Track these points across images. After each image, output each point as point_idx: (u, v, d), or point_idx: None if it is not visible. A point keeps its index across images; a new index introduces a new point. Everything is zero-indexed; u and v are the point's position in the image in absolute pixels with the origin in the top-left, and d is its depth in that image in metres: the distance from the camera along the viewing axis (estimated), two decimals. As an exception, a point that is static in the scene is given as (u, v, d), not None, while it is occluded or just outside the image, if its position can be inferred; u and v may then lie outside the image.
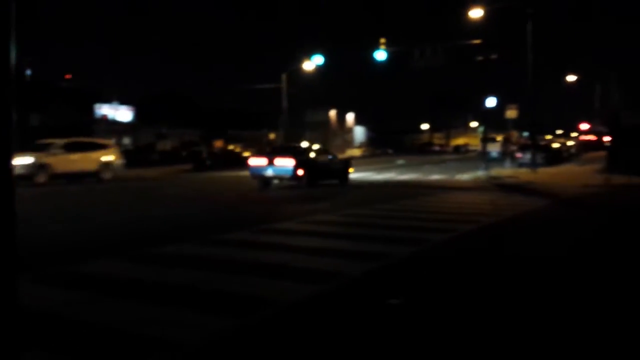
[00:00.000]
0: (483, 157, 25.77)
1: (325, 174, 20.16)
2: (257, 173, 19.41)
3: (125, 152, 40.52)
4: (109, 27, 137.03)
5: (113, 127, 47.43)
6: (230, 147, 44.11)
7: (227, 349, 4.01)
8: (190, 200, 15.79)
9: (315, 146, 23.01)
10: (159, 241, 8.09)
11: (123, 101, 50.92)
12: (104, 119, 47.30)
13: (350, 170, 21.77)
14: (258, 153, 29.95)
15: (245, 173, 20.49)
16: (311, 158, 19.67)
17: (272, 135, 52.37)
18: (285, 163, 18.47)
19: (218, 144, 41.79)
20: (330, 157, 21.53)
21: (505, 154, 33.47)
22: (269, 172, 18.85)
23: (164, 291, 5.42)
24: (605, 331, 4.23)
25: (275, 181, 19.53)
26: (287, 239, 8.43)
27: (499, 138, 39.70)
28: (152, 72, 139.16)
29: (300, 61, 41.59)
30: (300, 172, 18.29)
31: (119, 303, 5.04)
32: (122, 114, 50.14)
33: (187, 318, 4.55)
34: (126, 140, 48.50)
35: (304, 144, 25.96)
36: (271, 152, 20.60)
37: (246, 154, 41.50)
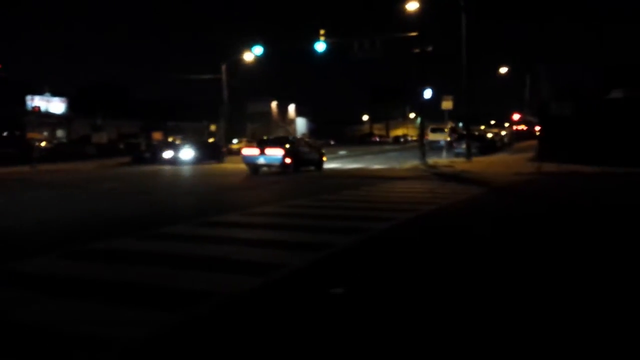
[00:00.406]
0: (422, 148, 26.43)
1: (306, 162, 22.42)
2: (249, 161, 21.54)
3: (58, 146, 38.87)
4: (42, 17, 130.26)
5: (46, 120, 45.32)
6: (170, 139, 43.04)
7: (165, 345, 3.93)
8: (126, 194, 15.33)
9: (298, 138, 26.74)
10: (94, 237, 7.85)
11: (56, 93, 48.60)
12: (36, 110, 45.00)
13: (324, 159, 24.00)
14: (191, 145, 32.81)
15: (186, 166, 20.31)
16: (296, 148, 22.02)
17: (212, 127, 51.49)
18: (275, 153, 20.70)
19: (157, 136, 40.67)
20: (309, 148, 24.14)
21: (451, 144, 34.65)
22: (261, 161, 21.07)
23: (102, 288, 5.26)
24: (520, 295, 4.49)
25: (264, 168, 21.42)
26: (228, 232, 8.36)
27: (447, 128, 41.17)
28: (87, 63, 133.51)
29: (240, 52, 41.14)
30: (287, 160, 20.58)
31: (55, 302, 4.86)
32: (55, 105, 47.92)
33: (125, 315, 4.45)
34: (60, 133, 46.50)
35: (290, 137, 29.53)
36: (261, 143, 22.77)
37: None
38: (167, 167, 27.36)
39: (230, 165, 28.31)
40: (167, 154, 30.76)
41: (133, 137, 42.43)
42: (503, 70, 55.38)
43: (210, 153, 32.40)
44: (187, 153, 30.33)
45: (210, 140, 46.88)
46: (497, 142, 41.57)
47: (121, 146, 39.46)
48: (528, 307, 4.58)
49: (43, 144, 37.84)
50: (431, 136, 40.97)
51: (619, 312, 4.42)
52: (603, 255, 6.56)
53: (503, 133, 54.14)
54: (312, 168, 22.67)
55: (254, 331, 4.16)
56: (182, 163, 28.99)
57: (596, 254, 6.64)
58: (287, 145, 21.45)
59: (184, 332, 4.13)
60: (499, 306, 4.65)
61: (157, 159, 32.11)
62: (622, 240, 7.44)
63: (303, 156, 22.24)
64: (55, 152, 35.87)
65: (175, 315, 4.43)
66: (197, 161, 29.83)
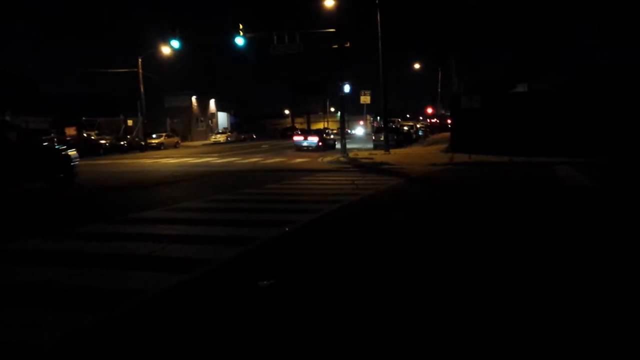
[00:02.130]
0: (342, 141, 27.01)
1: (331, 146, 35.67)
2: (298, 144, 34.60)
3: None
4: None
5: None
6: (85, 134, 41.00)
7: (83, 347, 3.83)
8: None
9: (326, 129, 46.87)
10: (4, 236, 7.51)
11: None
12: None
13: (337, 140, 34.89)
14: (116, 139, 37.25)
15: (103, 161, 19.43)
16: (325, 136, 37.76)
17: (129, 122, 49.61)
18: (313, 139, 34.61)
19: (70, 131, 38.61)
20: (332, 135, 42.94)
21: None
22: (305, 143, 34.21)
23: (17, 291, 5.07)
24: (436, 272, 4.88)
25: (307, 148, 33.67)
26: (149, 228, 8.22)
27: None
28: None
29: (158, 45, 39.99)
30: (320, 143, 34.06)
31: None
32: (-48, 100, 44.36)
33: (40, 318, 4.31)
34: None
35: (322, 128, 48.14)
36: (305, 132, 37.21)
37: (102, 141, 39.01)
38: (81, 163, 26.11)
39: (149, 160, 27.58)
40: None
41: (44, 133, 39.99)
42: (417, 66, 57.51)
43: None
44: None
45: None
46: (413, 134, 43.15)
47: (31, 143, 37.17)
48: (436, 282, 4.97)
49: None
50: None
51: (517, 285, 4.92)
52: (503, 232, 7.17)
53: (419, 126, 56.22)
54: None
55: (177, 329, 4.14)
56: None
57: (497, 232, 7.24)
58: (320, 134, 36.52)
59: (103, 333, 4.06)
60: (415, 290, 5.01)
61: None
62: (521, 219, 8.14)
63: (329, 141, 37.03)
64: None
65: (94, 316, 4.33)
66: None
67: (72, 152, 16.32)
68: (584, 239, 6.98)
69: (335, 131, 50.93)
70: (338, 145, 31.62)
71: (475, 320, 4.14)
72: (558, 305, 4.43)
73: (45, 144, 19.53)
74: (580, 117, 22.80)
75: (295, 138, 35.64)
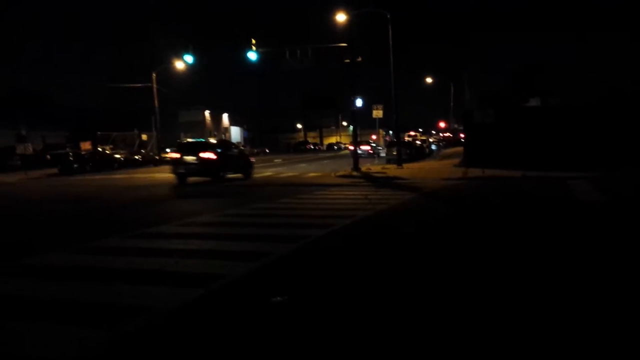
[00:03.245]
0: (355, 155, 27.02)
1: (378, 154, 41.20)
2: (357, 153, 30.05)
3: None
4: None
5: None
6: (100, 148, 41.48)
7: None
8: (54, 203, 14.74)
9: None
10: (22, 250, 7.58)
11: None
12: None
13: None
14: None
15: (118, 176, 19.71)
16: (373, 145, 46.32)
17: (144, 136, 50.12)
18: (366, 148, 43.41)
19: (86, 145, 39.13)
20: (373, 144, 50.41)
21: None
22: (359, 151, 30.16)
23: (35, 306, 5.09)
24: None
25: (363, 155, 37.79)
26: (162, 243, 8.24)
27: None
28: (8, 70, 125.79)
29: (172, 61, 40.51)
30: (370, 151, 42.67)
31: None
32: (-27, 116, 45.39)
33: (60, 333, 4.33)
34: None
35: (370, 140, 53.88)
36: (359, 143, 32.87)
37: (117, 155, 39.42)
38: (96, 177, 26.43)
39: (159, 174, 27.77)
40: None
41: (60, 147, 40.51)
42: (429, 80, 57.57)
43: None
44: None
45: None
46: (426, 149, 43.07)
47: (48, 157, 37.68)
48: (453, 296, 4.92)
49: None
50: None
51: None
52: (515, 248, 7.08)
53: (431, 140, 56.12)
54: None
55: (193, 345, 4.13)
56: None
57: (510, 248, 7.16)
58: (369, 144, 45.94)
59: (116, 349, 4.06)
60: (433, 304, 4.96)
61: (86, 169, 30.94)
62: (534, 236, 8.05)
63: (376, 150, 44.79)
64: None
65: (107, 332, 4.32)
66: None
67: (252, 158, 26.69)
68: (598, 256, 6.88)
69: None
70: (382, 154, 39.31)
71: (490, 341, 4.08)
72: (570, 319, 4.36)
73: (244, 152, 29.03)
74: (595, 131, 22.64)
75: (360, 149, 37.19)
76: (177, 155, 21.80)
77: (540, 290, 5.30)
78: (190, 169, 21.05)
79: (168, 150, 45.83)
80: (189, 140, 28.00)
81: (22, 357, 3.91)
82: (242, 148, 30.44)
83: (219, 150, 21.87)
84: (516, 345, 3.94)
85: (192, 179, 21.67)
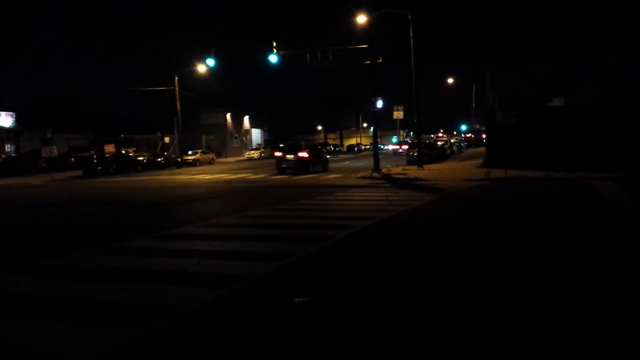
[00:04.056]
0: (375, 156, 26.93)
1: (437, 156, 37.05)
2: (397, 152, 36.27)
3: (7, 160, 37.42)
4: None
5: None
6: (123, 151, 42.10)
7: None
8: (79, 205, 15.00)
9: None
10: (45, 252, 7.74)
11: (3, 107, 47.02)
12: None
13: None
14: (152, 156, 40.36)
15: (141, 178, 19.94)
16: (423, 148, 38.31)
17: (166, 139, 50.70)
18: (412, 150, 34.37)
19: (109, 148, 39.75)
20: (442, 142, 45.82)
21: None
22: (400, 151, 35.75)
23: (60, 306, 5.20)
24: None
25: (403, 153, 37.30)
26: (185, 244, 8.35)
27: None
28: (35, 76, 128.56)
29: (193, 64, 40.95)
30: (434, 153, 35.50)
31: (10, 320, 4.81)
32: (2, 119, 46.37)
33: (85, 333, 4.41)
34: (8, 148, 45.05)
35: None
36: (411, 145, 36.91)
37: (140, 158, 39.93)
38: (119, 179, 26.84)
39: (183, 176, 28.09)
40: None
41: (84, 150, 41.25)
42: (450, 80, 57.20)
43: None
44: None
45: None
46: (447, 149, 42.71)
47: (72, 159, 38.39)
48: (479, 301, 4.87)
49: None
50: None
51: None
52: (539, 252, 6.98)
53: (453, 141, 55.65)
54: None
55: (217, 345, 4.18)
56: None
57: (534, 252, 7.06)
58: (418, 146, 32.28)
59: (141, 348, 4.12)
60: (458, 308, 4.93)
61: (109, 171, 31.40)
62: (560, 240, 7.93)
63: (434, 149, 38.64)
64: (4, 167, 34.69)
65: (132, 332, 4.39)
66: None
67: (328, 156, 33.09)
68: (631, 261, 6.75)
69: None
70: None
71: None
72: (611, 329, 4.29)
73: (322, 151, 34.01)
74: (618, 131, 22.21)
75: (402, 148, 42.91)
76: (280, 154, 28.19)
77: (574, 298, 5.22)
78: (290, 164, 27.31)
79: (190, 152, 46.32)
80: (289, 142, 34.96)
81: (49, 355, 3.99)
82: (319, 147, 36.11)
83: (309, 151, 28.55)
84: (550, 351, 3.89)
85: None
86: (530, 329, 4.26)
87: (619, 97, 29.44)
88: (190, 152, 46.63)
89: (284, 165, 27.45)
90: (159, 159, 41.97)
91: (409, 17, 27.07)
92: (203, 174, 30.98)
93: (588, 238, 8.16)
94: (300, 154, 27.52)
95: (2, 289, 5.95)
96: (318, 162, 29.03)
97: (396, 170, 26.80)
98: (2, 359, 3.91)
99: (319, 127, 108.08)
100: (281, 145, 32.20)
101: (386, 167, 28.05)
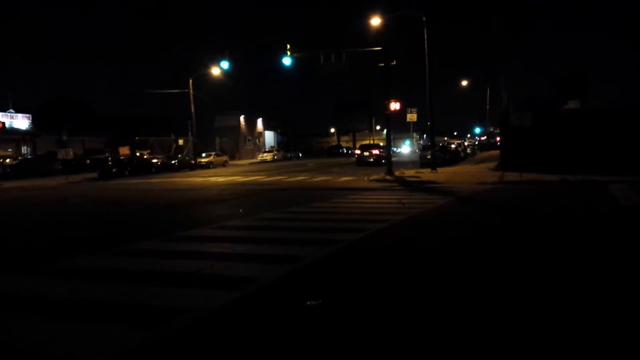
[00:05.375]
0: (388, 159, 26.85)
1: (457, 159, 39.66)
2: (422, 153, 37.68)
3: (23, 162, 37.96)
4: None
5: (10, 136, 44.53)
6: (138, 153, 42.44)
7: None
8: (94, 207, 15.15)
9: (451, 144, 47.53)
10: (60, 253, 7.82)
11: (19, 109, 47.76)
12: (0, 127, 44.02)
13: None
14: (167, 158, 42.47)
15: (155, 180, 20.07)
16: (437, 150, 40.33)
17: (180, 141, 51.04)
18: (442, 153, 36.52)
19: (124, 150, 40.17)
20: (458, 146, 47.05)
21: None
22: (424, 153, 35.36)
23: (73, 306, 5.26)
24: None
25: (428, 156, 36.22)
26: (198, 246, 8.39)
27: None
28: (51, 78, 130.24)
29: (208, 67, 41.21)
30: (447, 156, 36.14)
31: (24, 321, 4.87)
32: (19, 122, 47.09)
33: (97, 332, 4.46)
34: (24, 149, 45.73)
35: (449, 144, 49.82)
36: (437, 149, 37.08)
37: (155, 160, 40.22)
38: (134, 181, 27.06)
39: (198, 179, 28.23)
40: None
41: (99, 152, 41.69)
42: (464, 82, 56.90)
43: None
44: None
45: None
46: (461, 152, 42.48)
47: (87, 161, 38.83)
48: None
49: (7, 161, 36.93)
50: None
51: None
52: (555, 258, 6.92)
53: (466, 143, 55.33)
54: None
55: (230, 347, 4.20)
56: None
57: (549, 258, 6.99)
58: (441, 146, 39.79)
59: (157, 349, 4.16)
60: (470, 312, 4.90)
61: (124, 173, 31.71)
62: (576, 245, 7.85)
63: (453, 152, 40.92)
64: (21, 169, 35.19)
65: (145, 333, 4.43)
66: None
67: (382, 152, 37.57)
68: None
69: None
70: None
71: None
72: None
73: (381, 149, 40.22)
74: (636, 134, 21.92)
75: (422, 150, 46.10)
76: (359, 152, 40.44)
77: (593, 303, 5.17)
78: (367, 159, 37.85)
79: (204, 155, 46.57)
80: (364, 144, 45.48)
81: (63, 355, 4.03)
82: (381, 147, 41.47)
83: (379, 150, 39.17)
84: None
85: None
86: (551, 333, 4.22)
87: (637, 100, 29.03)
88: (204, 155, 46.87)
89: (364, 160, 38.07)
90: (173, 161, 42.26)
91: (424, 19, 27.00)
92: (216, 176, 31.12)
93: (606, 242, 8.06)
94: (374, 152, 39.11)
95: (17, 289, 6.02)
96: (382, 158, 36.07)
97: (409, 172, 26.69)
98: (17, 359, 3.95)
99: (332, 130, 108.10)
100: (360, 145, 44.67)
101: (399, 170, 27.95)
